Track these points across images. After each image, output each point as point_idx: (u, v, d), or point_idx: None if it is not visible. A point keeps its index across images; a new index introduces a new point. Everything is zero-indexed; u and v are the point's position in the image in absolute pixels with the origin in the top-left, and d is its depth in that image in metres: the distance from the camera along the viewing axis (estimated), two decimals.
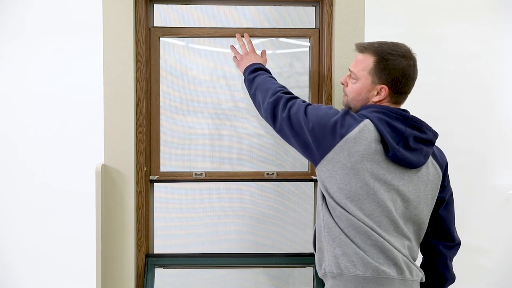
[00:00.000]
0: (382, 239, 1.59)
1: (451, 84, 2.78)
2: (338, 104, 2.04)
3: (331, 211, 1.64)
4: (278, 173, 2.16)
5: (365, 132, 1.60)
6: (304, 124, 1.66)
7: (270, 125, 1.80)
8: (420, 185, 1.67)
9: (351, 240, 1.60)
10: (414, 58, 1.69)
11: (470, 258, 2.83)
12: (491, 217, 2.84)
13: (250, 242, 2.19)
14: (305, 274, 2.17)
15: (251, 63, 1.97)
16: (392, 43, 1.69)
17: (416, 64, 1.70)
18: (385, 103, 1.68)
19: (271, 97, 1.78)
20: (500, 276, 2.88)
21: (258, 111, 1.87)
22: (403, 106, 1.74)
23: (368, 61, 1.67)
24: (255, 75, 1.91)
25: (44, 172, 2.70)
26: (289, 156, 2.18)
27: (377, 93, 1.67)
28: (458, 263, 2.82)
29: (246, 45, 2.06)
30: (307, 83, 2.15)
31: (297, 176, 2.17)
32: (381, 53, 1.65)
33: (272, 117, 1.77)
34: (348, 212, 1.60)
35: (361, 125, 1.61)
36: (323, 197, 1.68)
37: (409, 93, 1.71)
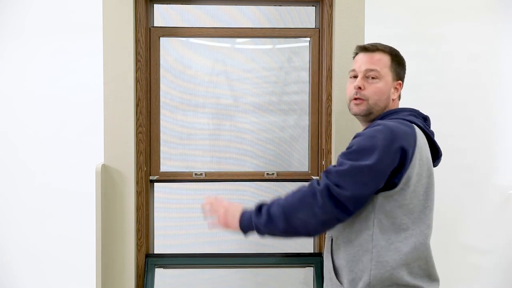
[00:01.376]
0: None
1: (451, 84, 2.77)
2: (337, 104, 2.04)
3: None
4: (278, 173, 2.16)
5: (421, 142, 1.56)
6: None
7: (342, 218, 1.50)
8: None
9: None
10: None
11: (470, 258, 2.83)
12: (491, 217, 2.84)
13: (250, 242, 2.18)
14: (305, 274, 2.17)
15: (238, 212, 1.60)
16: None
17: None
18: (397, 100, 1.69)
19: (311, 203, 1.46)
20: (499, 276, 2.88)
21: (310, 230, 1.52)
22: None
23: (385, 58, 1.65)
24: (264, 212, 1.54)
25: (44, 172, 2.70)
26: (289, 156, 2.18)
27: (394, 89, 1.67)
28: (458, 263, 2.83)
29: (214, 207, 1.64)
30: (306, 78, 2.15)
31: (297, 176, 2.17)
32: (390, 49, 1.67)
33: (332, 213, 1.46)
34: None
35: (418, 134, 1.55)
36: None
37: None
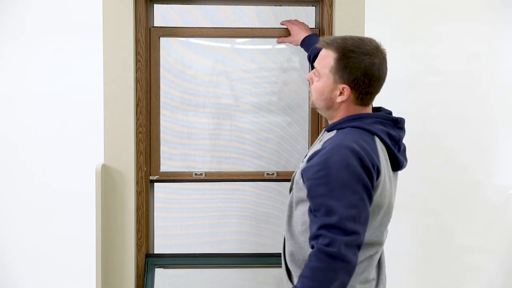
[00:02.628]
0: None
1: (451, 84, 2.77)
2: None
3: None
4: (278, 173, 2.16)
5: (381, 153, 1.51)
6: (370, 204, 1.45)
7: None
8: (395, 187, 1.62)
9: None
10: (381, 55, 1.53)
11: (470, 258, 2.83)
12: (492, 217, 2.84)
13: (250, 242, 2.19)
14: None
15: None
16: (358, 38, 1.54)
17: (384, 62, 1.54)
18: (351, 104, 1.55)
19: (339, 274, 1.41)
20: (500, 276, 2.88)
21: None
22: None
23: (330, 58, 1.52)
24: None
25: (44, 172, 2.70)
26: (289, 155, 2.18)
27: (340, 93, 1.53)
28: (458, 263, 2.83)
29: None
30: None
31: None
32: (343, 50, 1.51)
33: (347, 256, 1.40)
34: None
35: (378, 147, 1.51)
36: None
37: (376, 93, 1.56)
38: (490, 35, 2.81)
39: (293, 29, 2.10)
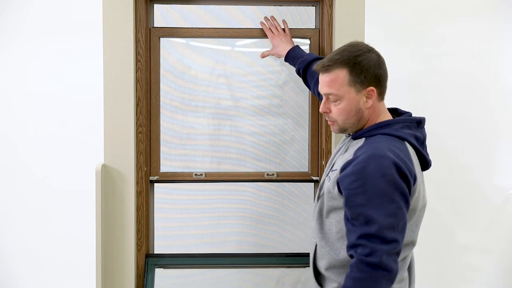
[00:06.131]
0: None
1: (451, 84, 2.77)
2: None
3: None
4: (278, 174, 2.16)
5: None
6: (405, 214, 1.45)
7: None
8: None
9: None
10: (374, 49, 1.59)
11: (470, 258, 2.83)
12: (491, 217, 2.84)
13: (250, 242, 2.19)
14: (305, 274, 2.17)
15: None
16: (348, 45, 1.58)
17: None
18: (376, 104, 1.57)
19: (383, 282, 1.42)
20: (500, 276, 2.88)
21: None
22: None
23: (342, 74, 1.54)
24: None
25: (44, 172, 2.70)
26: (289, 156, 2.18)
27: (366, 97, 1.55)
28: (458, 263, 2.83)
29: None
30: None
31: (297, 177, 2.17)
32: (348, 60, 1.53)
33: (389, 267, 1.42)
34: None
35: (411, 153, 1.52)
36: None
37: (386, 84, 1.61)
38: (490, 35, 2.81)
39: (275, 41, 2.08)
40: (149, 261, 2.11)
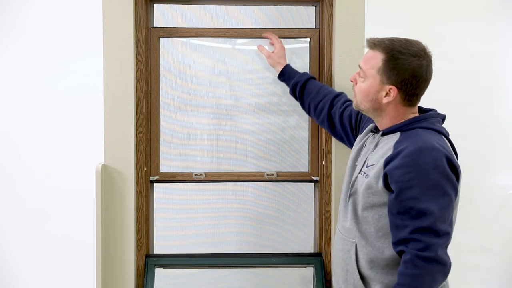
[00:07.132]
0: None
1: (451, 84, 2.77)
2: None
3: None
4: (278, 174, 2.16)
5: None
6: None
7: None
8: None
9: None
10: (428, 57, 1.56)
11: (470, 258, 2.83)
12: (491, 217, 2.84)
13: (250, 242, 2.19)
14: (305, 274, 2.17)
15: None
16: (405, 40, 1.57)
17: (431, 64, 1.57)
18: (399, 105, 1.56)
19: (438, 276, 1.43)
20: (500, 276, 2.88)
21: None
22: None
23: (378, 59, 1.54)
24: None
25: (44, 172, 2.70)
26: (289, 156, 2.18)
27: (386, 94, 1.54)
28: (458, 263, 2.83)
29: None
30: None
31: (297, 177, 2.17)
32: (391, 51, 1.53)
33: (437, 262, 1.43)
34: None
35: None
36: None
37: (421, 95, 1.58)
38: (490, 35, 2.81)
39: (270, 61, 2.06)
40: (149, 261, 2.11)
